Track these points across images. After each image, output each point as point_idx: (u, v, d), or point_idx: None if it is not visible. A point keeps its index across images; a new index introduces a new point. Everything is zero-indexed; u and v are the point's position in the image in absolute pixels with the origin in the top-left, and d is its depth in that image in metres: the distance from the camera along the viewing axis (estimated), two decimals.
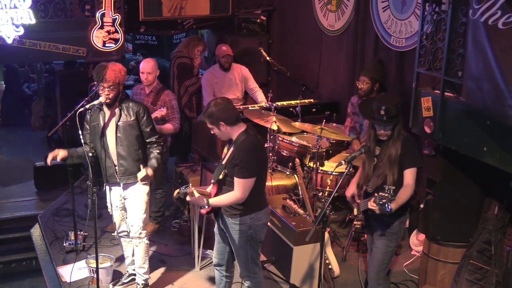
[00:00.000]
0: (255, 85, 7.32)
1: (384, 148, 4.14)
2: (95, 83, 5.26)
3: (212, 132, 4.08)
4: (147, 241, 4.85)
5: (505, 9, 3.51)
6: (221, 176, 4.08)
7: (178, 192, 4.10)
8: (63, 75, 8.65)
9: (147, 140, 4.66)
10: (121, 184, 4.67)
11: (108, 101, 4.48)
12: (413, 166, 4.07)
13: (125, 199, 4.73)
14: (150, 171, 4.52)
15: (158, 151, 4.66)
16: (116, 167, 4.62)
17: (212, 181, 4.15)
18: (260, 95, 7.24)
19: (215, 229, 4.35)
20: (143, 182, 4.67)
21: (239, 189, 3.96)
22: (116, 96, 4.53)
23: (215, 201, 4.06)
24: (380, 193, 3.81)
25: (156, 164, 4.62)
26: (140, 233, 4.77)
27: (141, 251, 4.83)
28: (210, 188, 4.17)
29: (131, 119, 4.56)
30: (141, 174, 4.52)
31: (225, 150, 4.18)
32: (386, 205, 3.77)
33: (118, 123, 4.54)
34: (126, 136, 4.55)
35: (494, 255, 4.55)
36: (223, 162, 4.07)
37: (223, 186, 4.10)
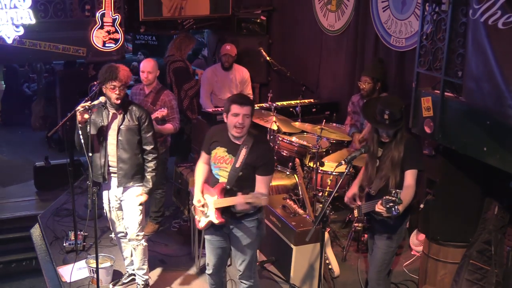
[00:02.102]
0: (249, 92, 7.36)
1: (386, 150, 4.12)
2: (95, 83, 5.26)
3: (244, 122, 3.93)
4: (145, 243, 4.84)
5: (505, 9, 3.51)
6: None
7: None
8: (63, 75, 8.65)
9: (144, 147, 4.64)
10: (115, 185, 4.67)
11: (119, 101, 4.47)
12: (414, 168, 4.06)
13: (121, 200, 4.73)
14: (145, 197, 4.67)
15: (153, 166, 4.66)
16: (111, 168, 4.62)
17: (228, 186, 4.03)
18: None
19: (210, 239, 4.24)
20: (139, 184, 4.69)
21: (267, 186, 4.05)
22: (124, 97, 4.54)
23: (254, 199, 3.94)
24: (387, 197, 3.80)
25: (152, 184, 4.67)
26: (137, 235, 4.76)
27: (139, 253, 4.82)
28: (216, 198, 4.07)
29: (133, 124, 4.55)
30: (139, 200, 4.64)
31: (222, 153, 4.06)
32: (393, 208, 3.76)
33: (121, 127, 4.54)
34: (127, 140, 4.55)
35: (494, 255, 4.55)
36: (237, 165, 3.99)
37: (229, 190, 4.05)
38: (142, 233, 4.80)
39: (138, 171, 4.64)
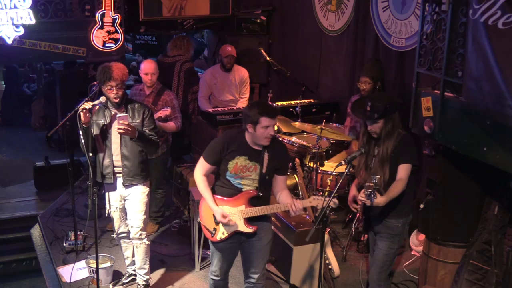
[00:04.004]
0: (245, 92, 7.32)
1: (378, 149, 4.15)
2: (96, 83, 5.26)
3: (274, 131, 3.93)
4: (147, 242, 4.84)
5: (505, 9, 3.51)
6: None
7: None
8: (63, 75, 8.65)
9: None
10: (121, 185, 4.66)
11: (117, 100, 4.48)
12: (407, 162, 4.06)
13: (125, 200, 4.73)
14: (132, 124, 4.43)
15: (154, 137, 4.62)
16: (116, 168, 4.62)
17: (260, 193, 4.00)
18: (242, 103, 7.18)
19: (223, 248, 4.14)
20: (143, 183, 4.68)
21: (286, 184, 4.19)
22: (124, 95, 4.54)
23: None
24: (367, 183, 3.83)
25: (145, 135, 4.52)
26: (140, 234, 4.76)
27: (141, 252, 4.83)
28: (242, 207, 4.01)
29: (137, 121, 4.55)
30: (123, 114, 4.41)
31: (243, 161, 3.96)
32: (372, 194, 3.78)
33: None
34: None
35: (494, 255, 4.55)
36: (264, 171, 3.97)
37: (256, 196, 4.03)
38: (145, 232, 4.80)
39: (142, 169, 4.65)
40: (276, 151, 4.02)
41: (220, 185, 4.09)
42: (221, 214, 3.96)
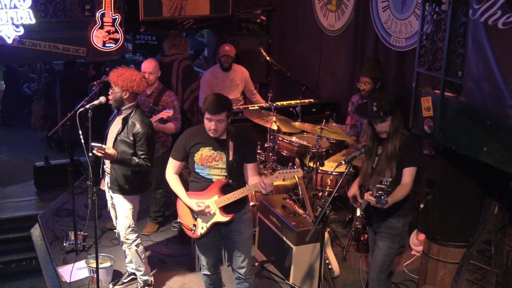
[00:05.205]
0: (253, 89, 7.40)
1: (384, 146, 4.15)
2: (96, 83, 5.29)
3: (216, 127, 3.95)
4: (135, 248, 4.78)
5: (505, 9, 3.52)
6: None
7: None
8: (63, 75, 8.65)
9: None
10: (106, 185, 4.70)
11: (109, 102, 4.48)
12: (413, 165, 4.07)
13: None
14: (112, 151, 4.40)
15: (145, 162, 4.51)
16: (106, 167, 4.66)
17: (230, 181, 4.05)
18: (260, 99, 7.36)
19: (206, 242, 4.22)
20: (126, 195, 4.63)
21: (257, 172, 4.16)
22: (118, 101, 4.49)
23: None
24: (377, 185, 3.82)
25: (127, 160, 4.45)
26: (127, 239, 4.73)
27: (132, 255, 4.82)
28: (216, 197, 4.07)
29: (129, 139, 4.51)
30: (98, 144, 4.35)
31: (208, 152, 4.05)
32: (382, 196, 3.77)
33: (118, 136, 4.53)
34: (121, 151, 4.49)
35: (494, 255, 4.55)
36: (230, 159, 4.03)
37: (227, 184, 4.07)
38: (133, 236, 4.75)
39: (126, 182, 4.60)
40: (240, 140, 4.10)
41: (192, 180, 4.18)
42: (196, 204, 4.05)
